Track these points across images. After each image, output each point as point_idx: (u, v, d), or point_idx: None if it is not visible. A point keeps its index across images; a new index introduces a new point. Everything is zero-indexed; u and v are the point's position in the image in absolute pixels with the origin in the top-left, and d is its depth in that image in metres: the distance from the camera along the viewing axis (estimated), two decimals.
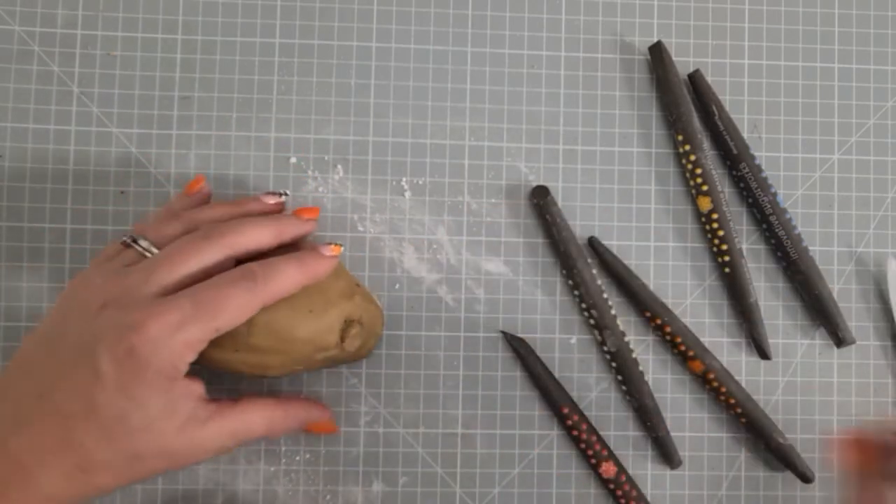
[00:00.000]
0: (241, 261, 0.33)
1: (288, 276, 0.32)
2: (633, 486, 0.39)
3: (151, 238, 0.33)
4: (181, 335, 0.29)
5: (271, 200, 0.36)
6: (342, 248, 0.35)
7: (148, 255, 0.33)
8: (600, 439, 0.39)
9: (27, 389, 0.30)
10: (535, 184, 0.41)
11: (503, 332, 0.40)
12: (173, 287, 0.31)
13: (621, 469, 0.39)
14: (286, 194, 0.37)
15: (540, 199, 0.40)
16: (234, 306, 0.30)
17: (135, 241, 0.33)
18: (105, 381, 0.29)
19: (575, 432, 0.39)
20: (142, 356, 0.29)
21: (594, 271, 0.40)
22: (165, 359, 0.29)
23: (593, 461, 0.39)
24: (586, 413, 0.40)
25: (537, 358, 0.39)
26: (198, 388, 0.32)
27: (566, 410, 0.39)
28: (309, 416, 0.36)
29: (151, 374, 0.29)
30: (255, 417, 0.34)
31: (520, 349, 0.39)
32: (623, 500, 0.39)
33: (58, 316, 0.32)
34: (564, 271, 0.40)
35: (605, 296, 0.40)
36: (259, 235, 0.33)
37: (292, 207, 0.40)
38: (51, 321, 0.32)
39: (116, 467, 0.30)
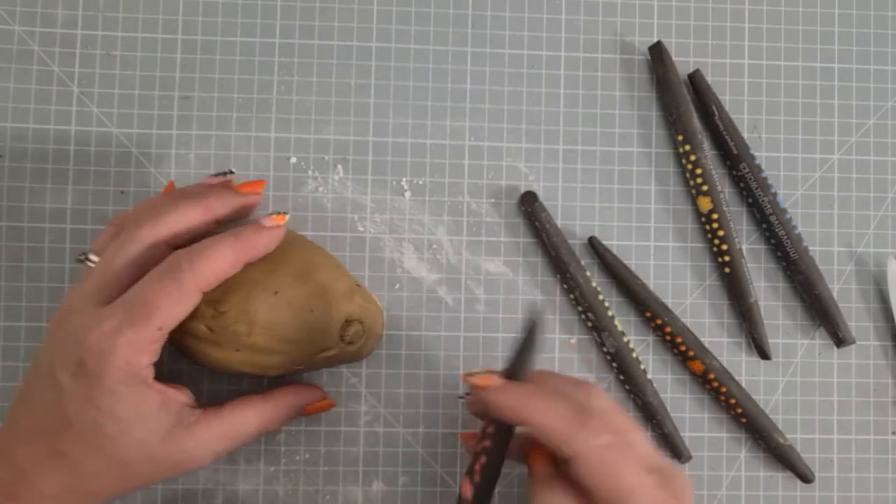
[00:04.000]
0: (179, 246, 0.32)
1: (220, 256, 0.31)
2: None
3: (96, 251, 0.32)
4: (122, 341, 0.29)
5: (214, 181, 0.35)
6: (288, 217, 0.33)
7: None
8: None
9: (23, 403, 0.31)
10: (535, 184, 0.41)
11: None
12: (112, 293, 0.31)
13: None
14: (231, 172, 0.35)
15: (528, 206, 0.40)
16: (165, 301, 0.30)
17: (87, 257, 0.32)
18: (69, 395, 0.30)
19: None
20: (91, 367, 0.29)
21: (588, 273, 0.40)
22: (116, 366, 0.29)
23: None
24: None
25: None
26: (180, 395, 0.32)
27: None
28: (299, 401, 0.36)
29: (109, 383, 0.29)
30: (244, 417, 0.33)
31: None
32: None
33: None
34: (559, 276, 0.40)
35: (601, 297, 0.40)
36: (181, 216, 0.32)
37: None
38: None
39: (107, 474, 0.31)
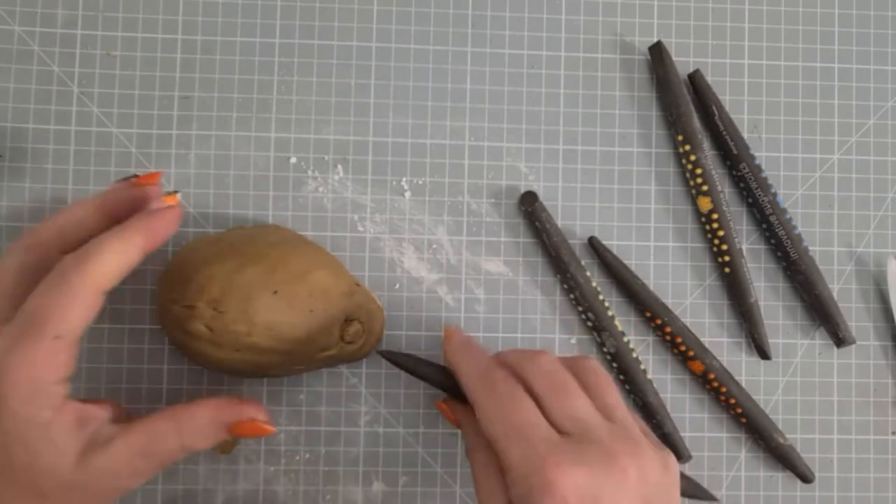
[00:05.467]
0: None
1: (109, 252, 0.29)
2: None
3: None
4: (15, 357, 0.27)
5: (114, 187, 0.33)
6: (179, 196, 0.31)
7: None
8: None
9: None
10: (535, 184, 0.41)
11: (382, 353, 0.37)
12: (10, 312, 0.29)
13: None
14: (136, 175, 0.32)
15: (528, 206, 0.40)
16: (57, 309, 0.28)
17: None
18: None
19: None
20: None
21: (588, 273, 0.40)
22: (15, 384, 0.27)
23: None
24: None
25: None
26: (98, 411, 0.30)
27: None
28: (221, 416, 0.32)
29: (13, 403, 0.27)
30: (160, 427, 0.30)
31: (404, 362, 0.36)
32: None
33: None
34: (559, 276, 0.40)
35: (601, 297, 0.40)
36: (72, 214, 0.30)
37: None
38: None
39: None
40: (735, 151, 0.40)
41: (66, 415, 0.28)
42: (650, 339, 0.41)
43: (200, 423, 0.31)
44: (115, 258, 0.29)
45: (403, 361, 0.36)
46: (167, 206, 0.31)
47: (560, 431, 0.29)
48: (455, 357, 0.34)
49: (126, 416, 0.32)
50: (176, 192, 0.31)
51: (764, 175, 0.40)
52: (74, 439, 0.29)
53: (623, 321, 0.41)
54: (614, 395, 0.32)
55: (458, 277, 0.40)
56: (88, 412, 0.29)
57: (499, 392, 0.31)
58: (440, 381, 0.36)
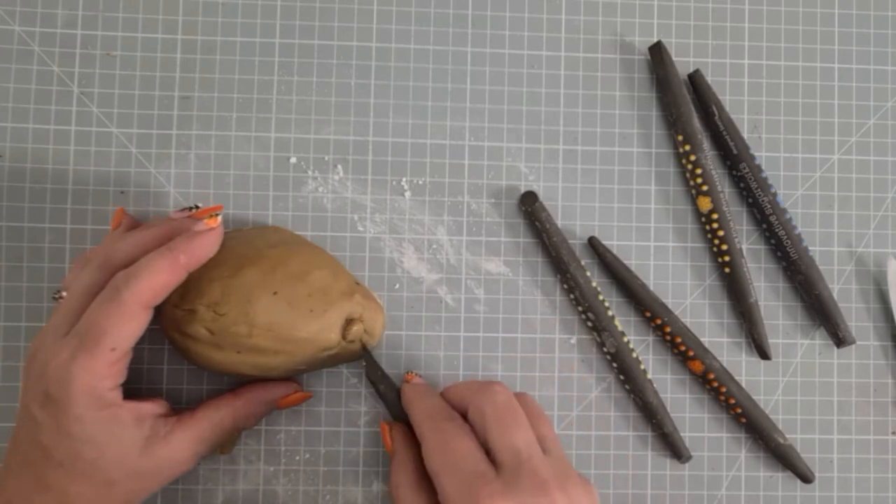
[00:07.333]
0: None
1: (156, 272, 0.31)
2: None
3: (66, 288, 0.33)
4: (77, 367, 0.30)
5: (175, 216, 0.35)
6: (220, 218, 0.33)
7: None
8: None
9: (12, 440, 0.33)
10: (535, 184, 0.41)
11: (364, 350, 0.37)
12: (72, 324, 0.31)
13: None
14: (197, 207, 0.35)
15: (528, 206, 0.40)
16: (110, 324, 0.30)
17: (60, 294, 0.33)
18: (43, 427, 0.31)
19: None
20: (57, 396, 0.30)
21: (588, 273, 0.40)
22: (78, 392, 0.30)
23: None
24: (586, 412, 0.40)
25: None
26: (154, 407, 0.33)
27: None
28: (270, 395, 0.36)
29: (78, 409, 0.30)
30: (217, 416, 0.35)
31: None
32: None
33: None
34: (559, 276, 0.40)
35: (601, 297, 0.40)
36: (141, 239, 0.33)
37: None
38: None
39: (95, 497, 0.32)
40: (735, 151, 0.40)
41: (125, 414, 0.32)
42: (650, 339, 0.41)
43: (252, 406, 0.36)
44: (162, 277, 0.31)
45: (373, 372, 0.37)
46: (209, 228, 0.32)
47: (497, 463, 0.31)
48: (410, 396, 0.36)
49: (171, 410, 0.35)
50: (217, 214, 0.33)
51: (764, 175, 0.40)
52: (137, 434, 0.32)
53: (623, 321, 0.41)
54: (550, 427, 0.34)
55: (458, 277, 0.40)
56: (143, 410, 0.33)
57: (443, 428, 0.33)
58: (394, 404, 0.37)
